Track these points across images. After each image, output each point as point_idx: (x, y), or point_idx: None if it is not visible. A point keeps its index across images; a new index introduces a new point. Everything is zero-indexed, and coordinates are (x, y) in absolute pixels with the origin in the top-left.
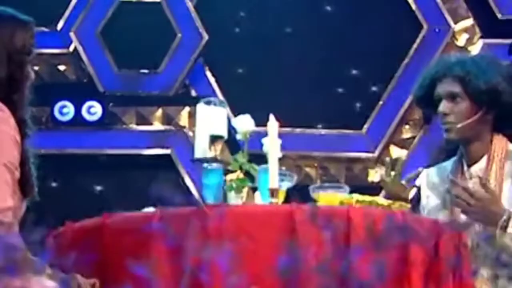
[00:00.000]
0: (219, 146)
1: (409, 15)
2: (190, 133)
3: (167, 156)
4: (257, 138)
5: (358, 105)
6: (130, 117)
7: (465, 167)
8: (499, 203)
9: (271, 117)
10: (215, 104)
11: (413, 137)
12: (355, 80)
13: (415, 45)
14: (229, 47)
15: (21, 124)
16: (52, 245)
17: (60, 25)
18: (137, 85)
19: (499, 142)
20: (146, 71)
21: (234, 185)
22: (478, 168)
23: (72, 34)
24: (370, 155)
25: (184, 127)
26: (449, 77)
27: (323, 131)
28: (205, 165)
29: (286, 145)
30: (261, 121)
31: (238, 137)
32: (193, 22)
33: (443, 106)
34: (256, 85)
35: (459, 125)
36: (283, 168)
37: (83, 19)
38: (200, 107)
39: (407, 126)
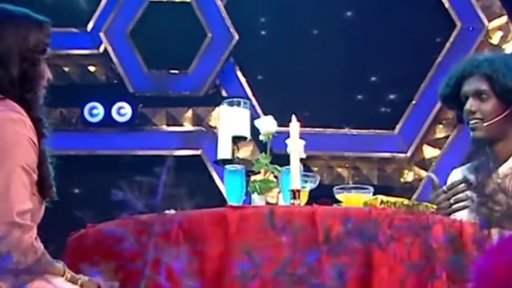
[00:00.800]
0: (249, 147)
1: (443, 13)
2: None
3: (198, 157)
4: (285, 139)
5: (390, 105)
6: (160, 118)
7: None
8: None
9: (293, 118)
10: (238, 105)
11: (447, 137)
12: (387, 80)
13: (448, 44)
14: (259, 47)
15: (37, 124)
16: (74, 247)
17: (90, 26)
18: (167, 85)
19: None
20: (176, 71)
21: (257, 186)
22: (506, 168)
23: (102, 35)
24: (402, 155)
25: (215, 127)
26: (477, 75)
27: (355, 131)
28: (227, 166)
29: (318, 146)
30: (289, 121)
31: (261, 137)
32: (224, 21)
33: (470, 103)
34: (287, 86)
35: (485, 123)
36: (316, 168)
37: (113, 19)
38: (223, 108)
39: (440, 126)
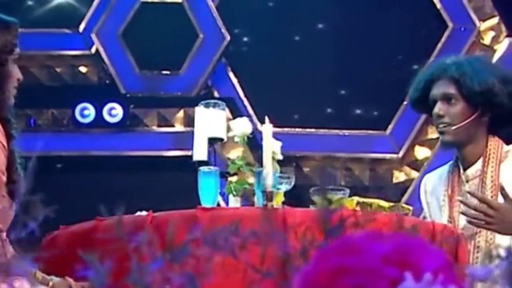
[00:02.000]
0: (241, 147)
1: (434, 14)
2: None
3: (189, 157)
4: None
5: (381, 106)
6: (152, 118)
7: (461, 170)
8: None
9: (266, 119)
10: (214, 107)
11: (438, 138)
12: (379, 80)
13: (440, 45)
14: (251, 48)
15: (5, 125)
16: (46, 248)
17: (82, 26)
18: (158, 86)
19: (494, 143)
20: (167, 72)
21: (232, 187)
22: (474, 170)
23: (93, 36)
24: (394, 156)
25: None
26: (445, 79)
27: (346, 132)
28: (201, 168)
29: (310, 146)
30: (281, 122)
31: (236, 139)
32: (215, 22)
33: (438, 108)
34: (279, 87)
35: (454, 127)
36: (307, 169)
37: (104, 20)
38: (199, 109)
39: (432, 126)
